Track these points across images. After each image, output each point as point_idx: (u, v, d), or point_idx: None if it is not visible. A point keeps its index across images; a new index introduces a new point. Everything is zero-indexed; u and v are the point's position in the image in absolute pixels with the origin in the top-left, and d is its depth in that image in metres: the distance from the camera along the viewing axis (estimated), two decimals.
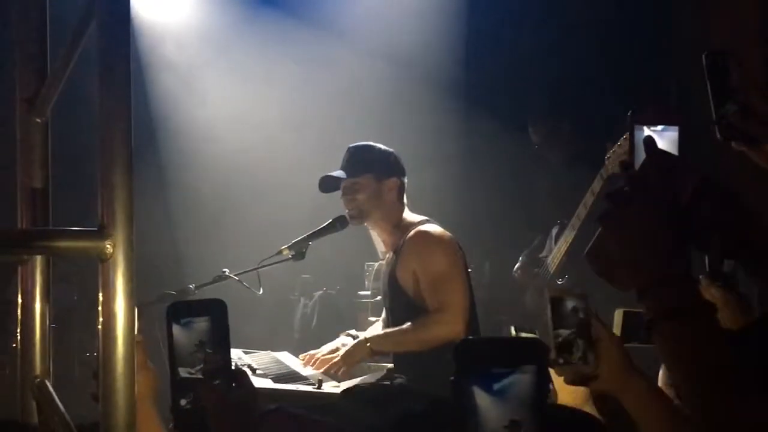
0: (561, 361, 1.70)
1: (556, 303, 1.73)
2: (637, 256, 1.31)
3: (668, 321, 1.28)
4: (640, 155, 1.37)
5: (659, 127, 1.42)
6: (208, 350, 1.74)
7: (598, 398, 1.85)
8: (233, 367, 1.79)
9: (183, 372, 1.74)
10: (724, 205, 1.35)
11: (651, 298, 1.30)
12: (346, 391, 2.85)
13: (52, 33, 1.47)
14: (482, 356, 1.13)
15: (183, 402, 1.73)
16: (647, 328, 1.31)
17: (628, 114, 1.42)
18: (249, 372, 3.21)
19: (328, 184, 3.69)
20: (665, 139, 1.41)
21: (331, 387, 3.23)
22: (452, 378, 1.12)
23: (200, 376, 1.73)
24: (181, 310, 1.78)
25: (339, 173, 3.66)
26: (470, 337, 3.25)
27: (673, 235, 1.31)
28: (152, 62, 6.10)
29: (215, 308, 1.80)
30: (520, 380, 1.11)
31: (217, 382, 1.73)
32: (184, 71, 6.21)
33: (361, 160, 3.66)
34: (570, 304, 1.73)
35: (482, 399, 1.10)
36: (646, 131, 1.41)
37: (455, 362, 1.12)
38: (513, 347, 1.20)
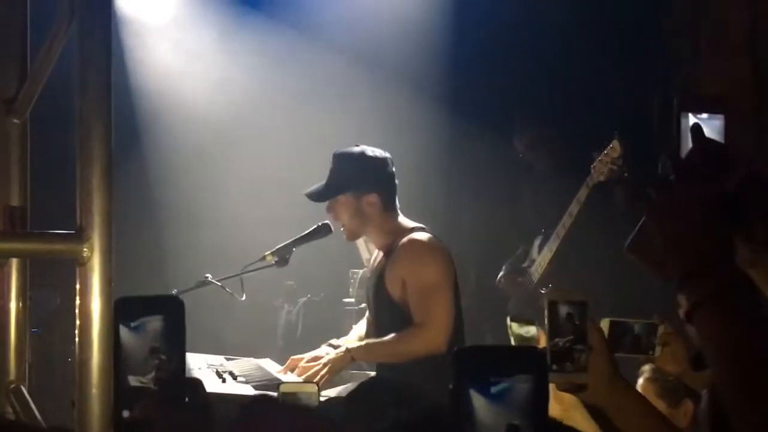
0: (555, 368, 1.65)
1: (553, 308, 1.68)
2: (681, 244, 1.31)
3: (711, 305, 1.27)
4: (686, 143, 1.36)
5: (704, 115, 1.41)
6: (162, 357, 1.54)
7: (598, 415, 1.84)
8: (189, 376, 1.68)
9: (133, 381, 1.54)
10: None
11: (695, 283, 1.29)
12: (334, 399, 2.81)
13: (33, 34, 1.46)
14: (480, 364, 1.12)
15: (128, 413, 1.54)
16: (688, 315, 1.30)
17: (675, 100, 1.40)
18: (230, 378, 3.19)
19: (312, 198, 3.65)
20: (711, 127, 1.40)
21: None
22: (450, 385, 1.11)
23: (152, 386, 1.53)
24: (131, 307, 1.54)
25: (318, 190, 3.59)
26: (463, 346, 3.23)
27: (719, 223, 1.30)
28: (134, 62, 6.07)
29: (170, 307, 1.55)
30: (519, 386, 1.11)
31: (170, 393, 1.55)
32: (168, 71, 6.19)
33: (340, 177, 3.57)
34: (564, 310, 1.68)
35: (480, 403, 1.10)
36: (692, 119, 1.39)
37: (453, 369, 1.11)
38: (510, 356, 1.18)
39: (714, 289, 1.27)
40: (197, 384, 1.60)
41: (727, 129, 1.40)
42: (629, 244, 1.39)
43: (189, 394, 1.55)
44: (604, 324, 2.42)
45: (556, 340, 1.67)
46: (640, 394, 1.81)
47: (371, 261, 3.80)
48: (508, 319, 2.07)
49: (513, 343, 1.94)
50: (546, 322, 1.68)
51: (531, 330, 1.98)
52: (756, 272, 1.42)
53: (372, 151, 3.62)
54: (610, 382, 1.71)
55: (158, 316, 1.50)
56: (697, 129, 1.35)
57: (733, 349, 1.26)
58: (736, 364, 1.25)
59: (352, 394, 2.29)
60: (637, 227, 1.38)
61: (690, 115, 1.39)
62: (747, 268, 1.33)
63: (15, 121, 1.49)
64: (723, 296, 1.27)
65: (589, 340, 1.67)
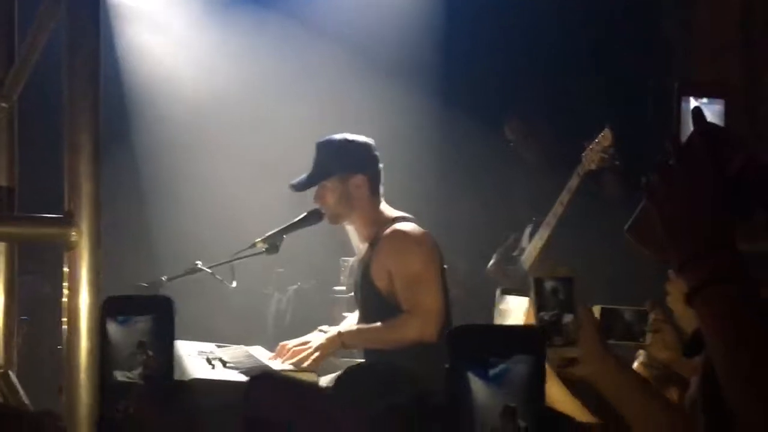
0: (546, 343, 1.65)
1: (539, 284, 1.71)
2: (682, 228, 1.31)
3: (712, 288, 1.27)
4: (686, 128, 1.36)
5: (705, 100, 1.41)
6: (149, 353, 1.53)
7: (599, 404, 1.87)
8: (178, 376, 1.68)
9: (119, 375, 1.53)
10: None
11: (696, 267, 1.29)
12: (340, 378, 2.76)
13: (20, 17, 1.44)
14: (477, 344, 1.12)
15: (115, 409, 1.54)
16: (688, 297, 1.30)
17: (676, 85, 1.40)
18: (220, 365, 3.18)
19: (297, 188, 3.65)
20: (711, 111, 1.40)
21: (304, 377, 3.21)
22: (446, 365, 1.10)
23: (139, 381, 1.53)
24: (120, 306, 1.54)
25: (302, 181, 3.60)
26: (462, 325, 3.22)
27: (719, 207, 1.30)
28: (124, 47, 6.03)
29: (160, 306, 1.55)
30: (516, 368, 1.10)
31: (157, 389, 1.54)
32: (159, 57, 6.16)
33: (325, 162, 3.59)
34: (549, 285, 1.71)
35: (477, 386, 1.09)
36: (693, 103, 1.39)
37: (449, 349, 1.10)
38: (508, 336, 1.18)
39: (714, 272, 1.27)
40: (188, 387, 1.61)
41: (728, 114, 1.40)
42: (629, 227, 1.40)
43: (178, 393, 1.56)
44: (595, 311, 2.42)
45: (542, 314, 1.70)
46: (631, 368, 1.83)
47: (358, 252, 3.80)
48: (498, 291, 2.09)
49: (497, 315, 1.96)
50: (532, 297, 1.71)
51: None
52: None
53: (354, 136, 3.65)
54: (600, 356, 1.74)
55: (147, 316, 1.50)
56: (698, 113, 1.35)
57: (733, 333, 1.26)
58: (736, 348, 1.25)
59: (339, 380, 2.29)
60: (637, 210, 1.38)
61: (691, 99, 1.38)
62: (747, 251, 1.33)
63: (3, 104, 1.48)
64: (723, 280, 1.27)
65: (577, 314, 1.70)
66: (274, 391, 1.45)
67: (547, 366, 1.33)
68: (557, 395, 2.01)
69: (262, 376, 1.68)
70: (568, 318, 1.70)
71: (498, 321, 2.15)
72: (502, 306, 2.17)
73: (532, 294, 1.72)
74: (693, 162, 1.32)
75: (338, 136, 3.64)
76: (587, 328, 1.72)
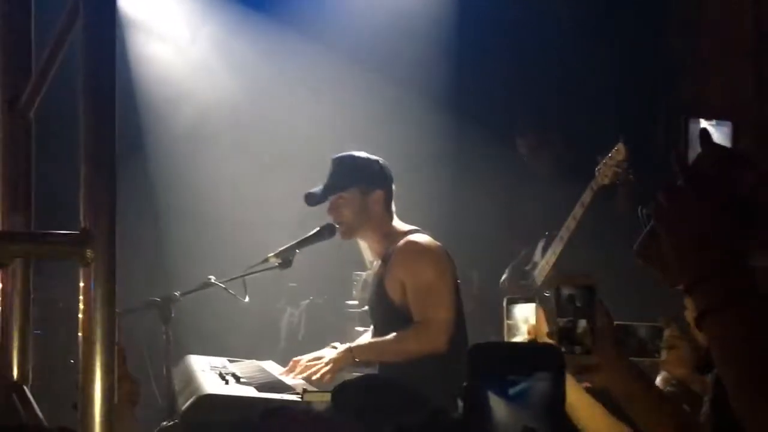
0: (563, 350, 1.68)
1: (558, 291, 1.73)
2: (692, 250, 1.30)
3: (723, 310, 1.26)
4: (694, 149, 1.35)
5: (713, 121, 1.41)
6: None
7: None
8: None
9: None
10: None
11: (706, 289, 1.28)
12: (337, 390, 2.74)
13: (37, 32, 1.45)
14: (497, 362, 1.10)
15: None
16: (698, 320, 1.29)
17: (683, 107, 1.40)
18: (233, 380, 3.18)
19: (314, 198, 3.66)
20: (719, 132, 1.40)
21: (315, 394, 3.20)
22: (465, 383, 1.09)
23: None
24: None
25: (321, 191, 3.62)
26: (482, 342, 3.21)
27: (729, 228, 1.29)
28: (136, 59, 6.06)
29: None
30: (536, 386, 1.09)
31: None
32: (171, 71, 6.18)
33: (344, 174, 3.62)
34: (566, 292, 1.72)
35: (497, 404, 1.08)
36: (701, 124, 1.39)
37: (469, 366, 1.09)
38: (528, 354, 1.16)
39: (723, 295, 1.26)
40: None
41: (735, 135, 1.40)
42: (638, 249, 1.38)
43: None
44: None
45: (559, 320, 1.72)
46: (644, 376, 1.81)
47: (372, 269, 3.81)
48: (505, 301, 2.10)
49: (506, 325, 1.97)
50: (553, 305, 1.73)
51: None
52: None
53: (369, 155, 3.69)
54: (613, 363, 1.73)
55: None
56: (705, 134, 1.34)
57: (743, 356, 1.24)
58: (746, 371, 1.24)
59: (337, 394, 2.29)
60: (645, 231, 1.37)
61: (700, 120, 1.39)
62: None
63: (20, 119, 1.48)
64: (733, 303, 1.26)
65: (597, 322, 1.71)
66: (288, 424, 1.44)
67: (578, 385, 1.32)
68: (589, 413, 1.98)
69: (275, 411, 1.68)
70: (583, 325, 1.70)
71: (507, 336, 2.15)
72: (510, 321, 2.16)
73: (552, 300, 1.72)
74: (701, 183, 1.31)
75: (357, 153, 3.69)
76: (602, 335, 1.72)
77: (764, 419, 1.21)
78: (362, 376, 3.11)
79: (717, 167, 1.32)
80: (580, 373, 1.73)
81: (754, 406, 1.23)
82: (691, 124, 1.39)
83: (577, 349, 1.69)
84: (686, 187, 1.32)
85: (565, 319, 1.70)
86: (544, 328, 1.97)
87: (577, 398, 1.92)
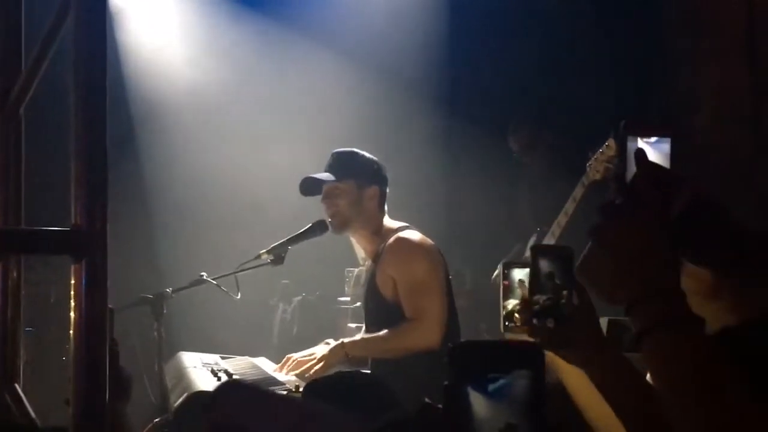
0: (535, 322, 1.71)
1: (535, 265, 1.73)
2: (628, 269, 1.30)
3: (660, 332, 1.26)
4: (632, 167, 1.35)
5: (652, 139, 1.41)
6: None
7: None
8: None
9: None
10: (717, 218, 1.34)
11: (643, 310, 1.29)
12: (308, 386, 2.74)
13: (28, 27, 1.45)
14: (478, 360, 1.10)
15: None
16: (636, 340, 1.30)
17: (621, 124, 1.40)
18: (225, 376, 3.17)
19: (309, 187, 3.66)
20: (658, 150, 1.40)
21: None
22: (446, 381, 1.09)
23: None
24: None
25: (322, 175, 3.63)
26: (462, 341, 3.22)
27: (665, 248, 1.30)
28: (130, 60, 6.04)
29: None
30: (517, 383, 1.09)
31: None
32: (165, 69, 6.17)
33: (344, 166, 3.64)
34: (546, 268, 1.73)
35: (477, 401, 1.08)
36: (640, 143, 1.39)
37: (450, 364, 1.09)
38: (509, 352, 1.17)
39: (659, 317, 1.27)
40: None
41: (674, 153, 1.40)
42: (578, 267, 1.37)
43: None
44: (603, 323, 2.41)
45: (536, 297, 1.72)
46: (631, 366, 1.78)
47: (364, 268, 3.82)
48: (500, 266, 2.11)
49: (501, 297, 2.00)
50: (528, 279, 1.75)
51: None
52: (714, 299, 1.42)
53: (369, 155, 3.70)
54: (595, 343, 1.72)
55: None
56: (640, 154, 1.34)
57: (677, 376, 1.25)
58: (681, 390, 1.24)
59: (313, 390, 2.28)
60: (586, 249, 1.37)
61: (638, 138, 1.38)
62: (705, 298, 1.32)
63: (10, 117, 1.48)
64: (667, 325, 1.26)
65: (573, 299, 1.71)
66: (240, 399, 1.43)
67: (591, 385, 1.33)
68: (601, 412, 1.96)
69: (229, 384, 1.66)
70: (563, 296, 1.70)
71: (503, 298, 2.19)
72: (506, 282, 2.20)
73: (529, 275, 1.74)
74: (636, 202, 1.31)
75: (357, 150, 3.70)
76: (585, 312, 1.72)
77: None
78: (331, 375, 3.10)
79: (653, 187, 1.32)
80: (553, 347, 1.73)
81: (687, 423, 1.23)
82: (629, 143, 1.38)
83: (552, 321, 1.70)
84: (623, 206, 1.32)
85: (544, 296, 1.71)
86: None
87: (589, 398, 1.90)
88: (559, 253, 1.74)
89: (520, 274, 2.11)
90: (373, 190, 3.63)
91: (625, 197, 1.33)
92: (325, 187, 3.63)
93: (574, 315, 1.70)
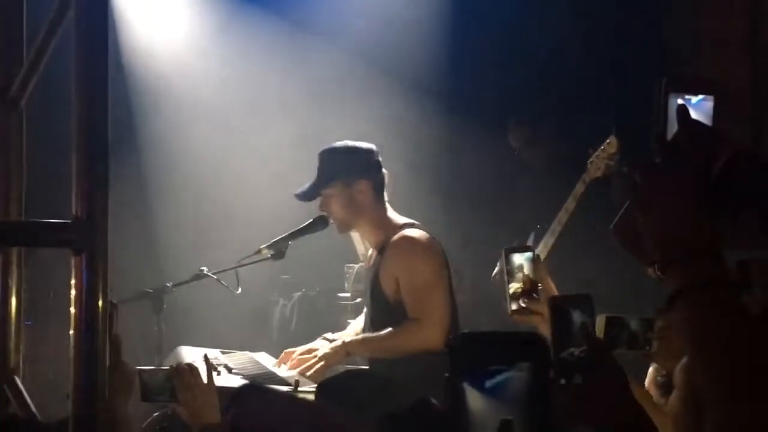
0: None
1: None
2: (667, 229, 1.28)
3: (696, 293, 1.25)
4: (673, 126, 1.31)
5: (694, 97, 1.37)
6: None
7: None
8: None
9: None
10: (759, 178, 1.30)
11: (680, 270, 1.27)
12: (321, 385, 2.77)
13: (29, 21, 1.45)
14: (478, 353, 1.10)
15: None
16: (670, 300, 1.28)
17: (663, 80, 1.36)
18: (225, 371, 3.18)
19: (305, 195, 3.63)
20: (700, 109, 1.36)
21: (307, 388, 3.20)
22: (446, 375, 1.09)
23: None
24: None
25: (306, 188, 3.58)
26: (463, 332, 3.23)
27: (704, 207, 1.27)
28: (132, 54, 6.04)
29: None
30: (515, 378, 1.08)
31: None
32: (168, 63, 6.16)
33: (327, 168, 3.56)
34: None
35: (474, 398, 1.07)
36: (681, 101, 1.35)
37: (450, 358, 1.09)
38: (510, 343, 1.16)
39: (695, 278, 1.25)
40: None
41: (716, 111, 1.36)
42: (614, 227, 1.36)
43: None
44: (601, 320, 2.42)
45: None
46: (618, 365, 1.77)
47: (367, 259, 3.79)
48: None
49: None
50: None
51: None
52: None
53: (356, 142, 3.64)
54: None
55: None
56: (682, 110, 1.31)
57: (711, 339, 1.24)
58: (714, 354, 1.23)
59: (325, 385, 2.30)
60: (623, 209, 1.35)
61: (679, 97, 1.34)
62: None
63: (12, 109, 1.48)
64: (704, 285, 1.25)
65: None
66: (260, 401, 1.43)
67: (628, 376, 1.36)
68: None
69: (249, 386, 1.67)
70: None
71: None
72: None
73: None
74: (677, 161, 1.29)
75: (340, 143, 3.63)
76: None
77: (727, 402, 1.21)
78: (342, 374, 3.10)
79: (694, 145, 1.29)
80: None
81: (719, 385, 1.22)
82: (671, 100, 1.33)
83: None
84: (663, 165, 1.30)
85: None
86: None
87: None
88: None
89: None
90: (362, 184, 3.55)
91: (666, 156, 1.30)
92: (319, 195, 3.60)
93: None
